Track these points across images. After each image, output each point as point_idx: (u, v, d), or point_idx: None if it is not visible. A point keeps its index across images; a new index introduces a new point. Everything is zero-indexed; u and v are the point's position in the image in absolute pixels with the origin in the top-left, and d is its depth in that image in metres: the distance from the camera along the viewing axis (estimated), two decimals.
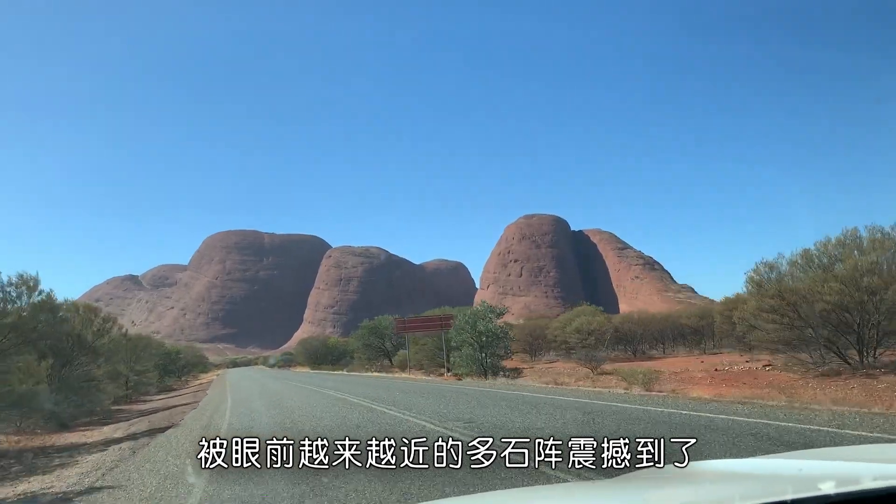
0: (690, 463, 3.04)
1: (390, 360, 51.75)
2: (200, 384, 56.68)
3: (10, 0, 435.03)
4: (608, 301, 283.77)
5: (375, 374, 45.84)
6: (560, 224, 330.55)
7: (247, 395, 30.73)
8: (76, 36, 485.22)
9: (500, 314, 40.25)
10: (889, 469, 2.02)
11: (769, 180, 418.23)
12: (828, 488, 1.65)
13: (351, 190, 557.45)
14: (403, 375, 42.33)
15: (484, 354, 36.21)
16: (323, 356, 76.84)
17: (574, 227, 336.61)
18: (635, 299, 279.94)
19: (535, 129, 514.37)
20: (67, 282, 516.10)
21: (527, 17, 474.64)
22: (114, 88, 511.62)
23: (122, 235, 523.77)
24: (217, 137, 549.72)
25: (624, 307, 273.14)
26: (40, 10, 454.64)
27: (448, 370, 39.35)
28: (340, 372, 55.70)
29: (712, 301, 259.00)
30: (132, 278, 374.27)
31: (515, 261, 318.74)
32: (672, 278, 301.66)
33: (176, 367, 60.18)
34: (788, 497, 1.61)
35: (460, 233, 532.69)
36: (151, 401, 37.62)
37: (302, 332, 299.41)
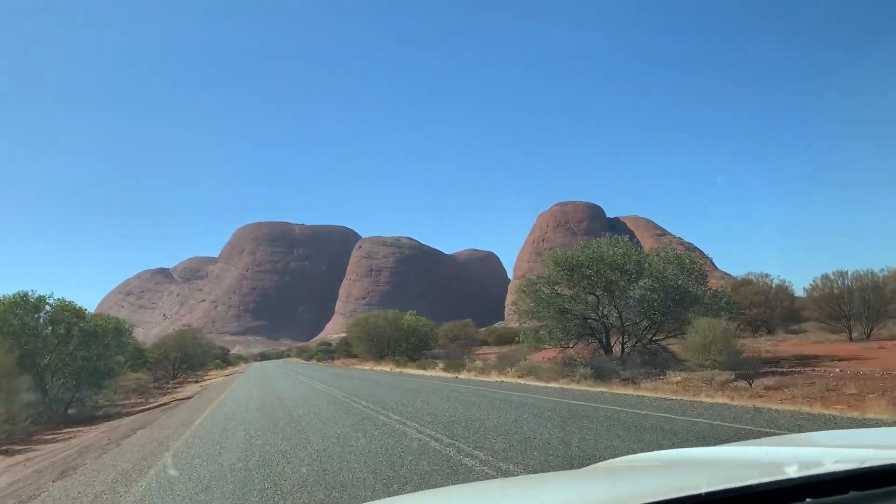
0: (658, 451, 2.70)
1: (599, 347, 19.86)
2: (173, 402, 25.67)
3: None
4: None
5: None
6: (595, 211, 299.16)
7: None
8: (110, 37, 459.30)
9: None
10: (849, 453, 1.90)
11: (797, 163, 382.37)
12: (791, 471, 1.61)
13: (380, 180, 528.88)
14: None
15: None
16: (394, 343, 45.37)
17: (609, 214, 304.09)
18: None
19: (566, 118, 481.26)
20: (100, 276, 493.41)
21: (557, 8, 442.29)
22: (147, 87, 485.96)
23: (154, 229, 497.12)
24: (246, 131, 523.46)
25: None
26: (70, 12, 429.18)
27: None
28: (500, 379, 22.59)
29: None
30: (163, 271, 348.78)
31: (550, 248, 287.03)
32: (714, 264, 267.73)
33: (118, 365, 27.95)
34: (754, 481, 1.55)
35: (490, 223, 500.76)
36: None
37: (334, 324, 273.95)
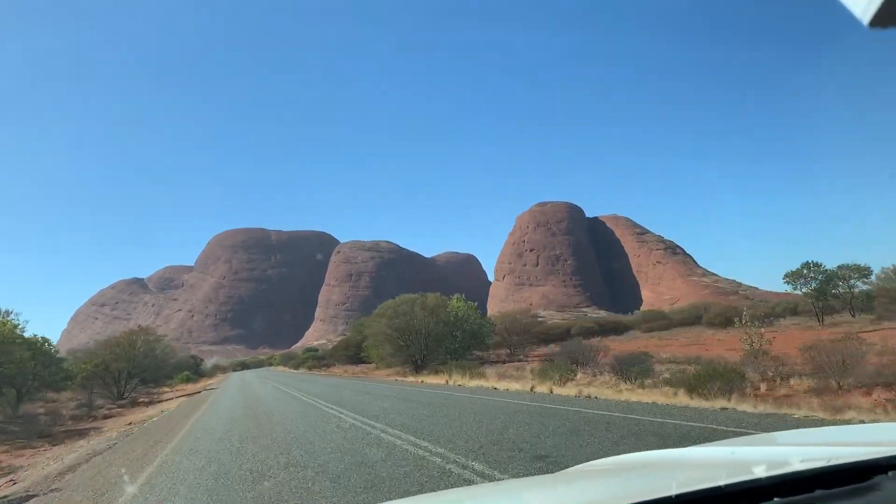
0: (623, 455, 2.61)
1: None
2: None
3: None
4: (629, 288, 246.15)
5: None
6: (575, 211, 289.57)
7: None
8: (81, 41, 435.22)
9: None
10: (816, 452, 1.91)
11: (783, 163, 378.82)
12: (759, 472, 1.60)
13: (357, 184, 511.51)
14: None
15: None
16: (434, 341, 30.85)
17: (589, 213, 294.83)
18: (658, 285, 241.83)
19: (542, 119, 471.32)
20: (73, 287, 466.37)
21: (533, 11, 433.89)
22: (117, 91, 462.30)
23: (128, 238, 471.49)
24: (220, 137, 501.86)
25: (647, 293, 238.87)
26: (43, 12, 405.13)
27: None
28: None
29: (739, 284, 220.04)
30: (138, 281, 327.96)
31: (531, 250, 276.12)
32: (695, 262, 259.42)
33: None
34: (723, 482, 1.53)
35: (470, 225, 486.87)
36: None
37: (314, 330, 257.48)
